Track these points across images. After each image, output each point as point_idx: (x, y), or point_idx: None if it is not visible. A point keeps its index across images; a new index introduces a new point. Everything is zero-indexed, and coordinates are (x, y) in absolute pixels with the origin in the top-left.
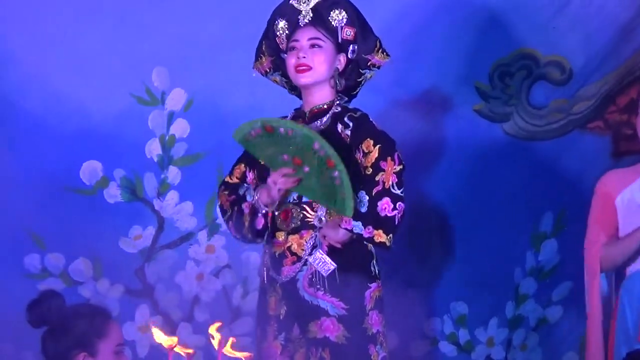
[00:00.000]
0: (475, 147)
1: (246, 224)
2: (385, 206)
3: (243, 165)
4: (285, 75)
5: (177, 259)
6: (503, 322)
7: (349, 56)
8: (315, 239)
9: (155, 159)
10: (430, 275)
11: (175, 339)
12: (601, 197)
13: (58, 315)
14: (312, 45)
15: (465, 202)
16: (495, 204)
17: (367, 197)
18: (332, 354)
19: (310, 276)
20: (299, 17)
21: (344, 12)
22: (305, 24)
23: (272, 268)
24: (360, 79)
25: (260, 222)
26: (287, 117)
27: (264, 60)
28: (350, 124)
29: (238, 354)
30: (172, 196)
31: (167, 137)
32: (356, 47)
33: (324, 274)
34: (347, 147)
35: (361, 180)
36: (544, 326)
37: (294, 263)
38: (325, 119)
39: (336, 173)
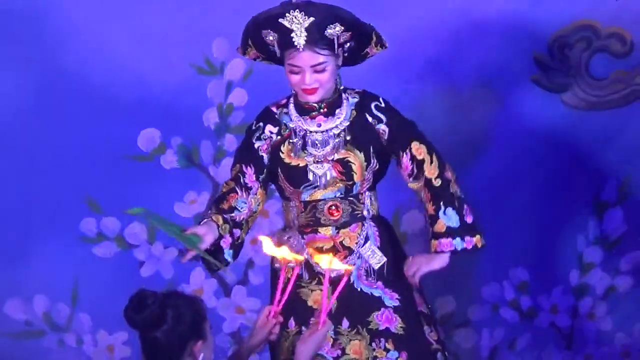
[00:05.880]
0: (533, 116)
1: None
2: (468, 211)
3: (238, 165)
4: (272, 58)
5: None
6: (567, 290)
7: (346, 53)
8: (367, 232)
9: (213, 127)
10: (487, 241)
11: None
12: None
13: (161, 311)
14: (316, 71)
15: (523, 170)
16: (554, 172)
17: (454, 210)
18: (394, 344)
19: (366, 268)
20: (292, 35)
21: (338, 25)
22: (304, 48)
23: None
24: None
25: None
26: (285, 102)
27: (250, 51)
28: (383, 118)
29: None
30: (228, 162)
31: (225, 106)
32: (353, 43)
33: (374, 267)
34: (382, 145)
35: (431, 192)
36: (613, 295)
37: (346, 257)
38: (344, 111)
39: None
